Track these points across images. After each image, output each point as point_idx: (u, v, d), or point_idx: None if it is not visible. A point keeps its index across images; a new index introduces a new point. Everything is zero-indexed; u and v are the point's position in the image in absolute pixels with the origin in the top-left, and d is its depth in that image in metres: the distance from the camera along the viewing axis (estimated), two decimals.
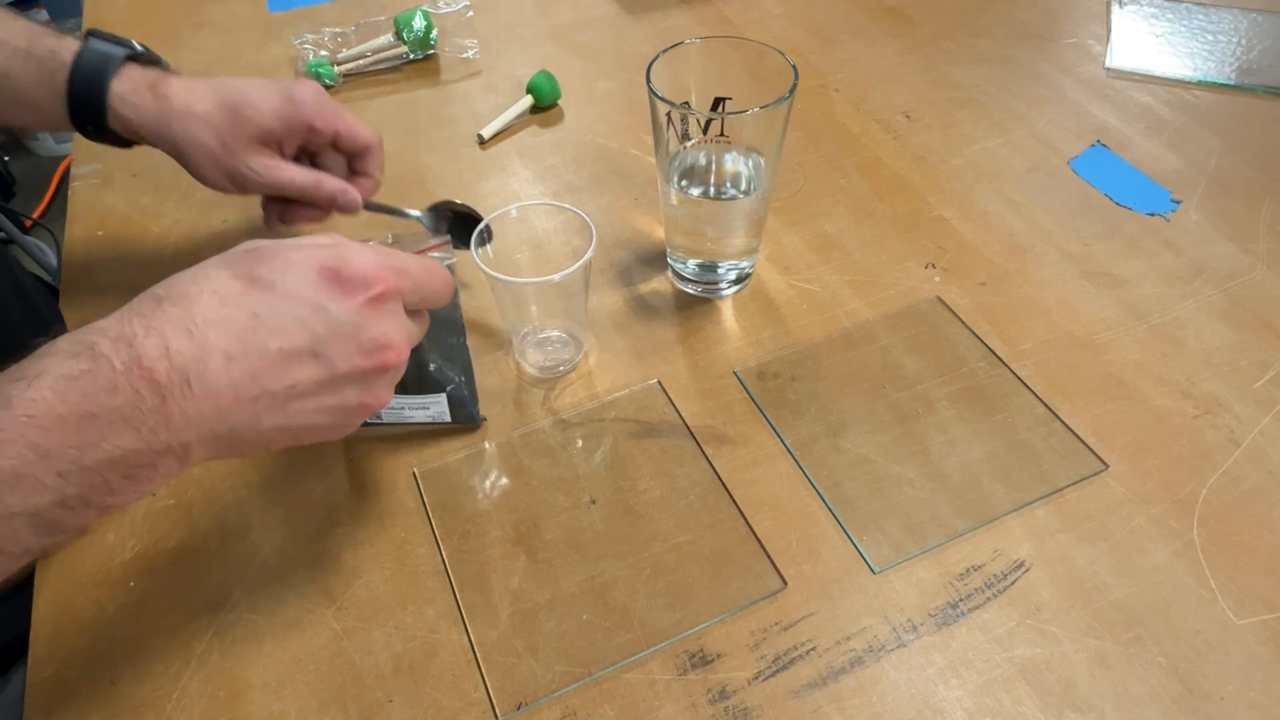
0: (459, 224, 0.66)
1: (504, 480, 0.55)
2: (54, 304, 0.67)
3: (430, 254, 0.50)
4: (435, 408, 0.55)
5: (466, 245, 0.56)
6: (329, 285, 0.39)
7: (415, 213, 0.66)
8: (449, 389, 0.55)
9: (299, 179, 0.58)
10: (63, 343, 0.35)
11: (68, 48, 0.55)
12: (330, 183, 0.59)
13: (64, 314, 0.66)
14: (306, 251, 0.39)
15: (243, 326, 0.37)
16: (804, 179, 0.75)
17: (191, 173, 0.58)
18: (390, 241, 0.52)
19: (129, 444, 0.35)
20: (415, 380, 0.54)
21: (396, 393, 0.51)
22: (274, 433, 0.39)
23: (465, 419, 0.57)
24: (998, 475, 0.54)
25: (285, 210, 0.61)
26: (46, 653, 0.48)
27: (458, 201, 0.67)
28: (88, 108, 0.55)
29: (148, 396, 0.35)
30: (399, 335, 0.42)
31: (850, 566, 0.51)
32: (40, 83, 0.55)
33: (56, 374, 0.34)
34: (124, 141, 0.58)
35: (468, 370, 0.55)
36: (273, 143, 0.57)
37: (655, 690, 0.46)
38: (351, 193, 0.59)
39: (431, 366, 0.54)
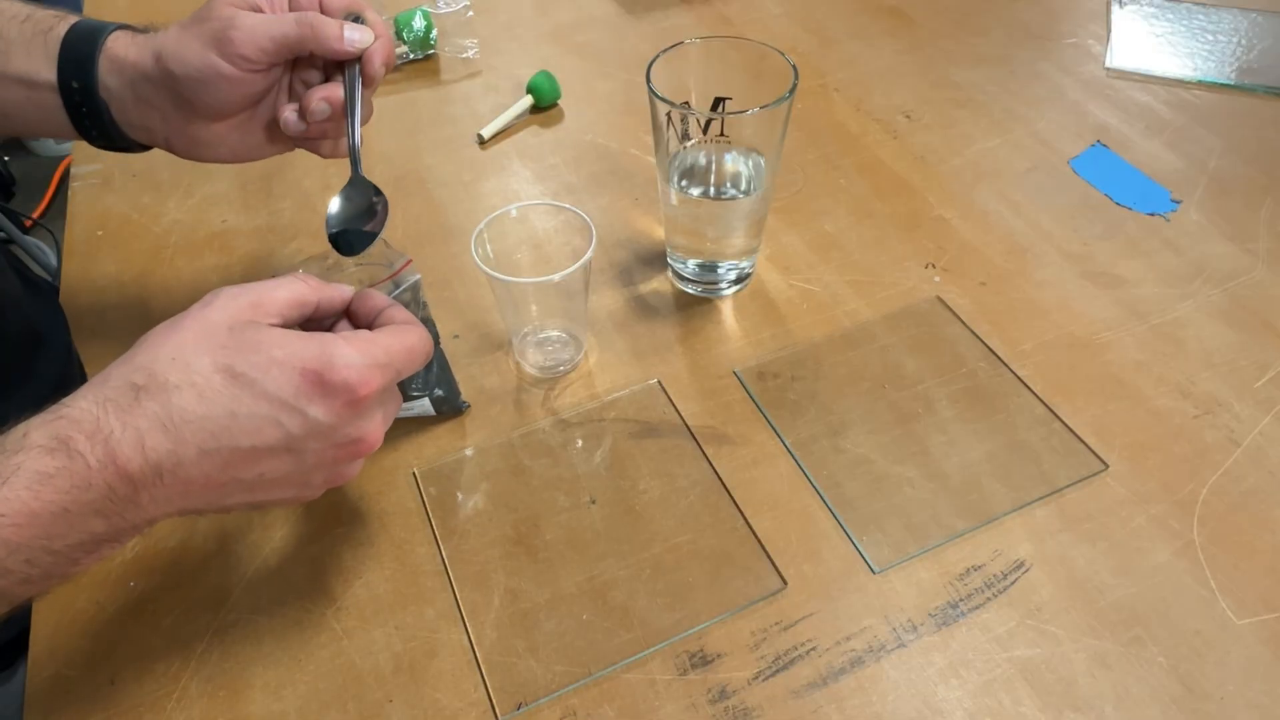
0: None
1: (504, 480, 0.55)
2: (55, 303, 0.67)
3: (402, 270, 0.51)
4: (419, 406, 0.56)
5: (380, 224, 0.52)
6: (310, 388, 0.38)
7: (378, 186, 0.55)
8: (430, 394, 0.55)
9: (289, 15, 0.50)
10: (37, 434, 0.35)
11: (68, 19, 0.52)
12: (331, 19, 0.50)
13: (64, 313, 0.66)
14: (291, 349, 0.38)
15: (219, 425, 0.37)
16: (804, 179, 0.75)
17: (185, 84, 0.50)
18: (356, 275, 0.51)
19: (98, 529, 0.36)
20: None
21: None
22: (237, 506, 0.41)
23: (451, 411, 0.58)
24: (998, 475, 0.54)
25: (302, 104, 0.51)
26: (46, 652, 0.48)
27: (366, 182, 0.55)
28: (79, 54, 0.51)
29: (120, 489, 0.36)
30: (375, 428, 0.42)
31: (850, 566, 0.51)
32: (33, 39, 0.51)
33: (32, 471, 0.34)
34: (114, 129, 0.53)
35: (444, 369, 0.55)
36: (251, 6, 0.50)
37: (655, 690, 0.46)
38: (357, 27, 0.50)
39: (413, 383, 0.54)
